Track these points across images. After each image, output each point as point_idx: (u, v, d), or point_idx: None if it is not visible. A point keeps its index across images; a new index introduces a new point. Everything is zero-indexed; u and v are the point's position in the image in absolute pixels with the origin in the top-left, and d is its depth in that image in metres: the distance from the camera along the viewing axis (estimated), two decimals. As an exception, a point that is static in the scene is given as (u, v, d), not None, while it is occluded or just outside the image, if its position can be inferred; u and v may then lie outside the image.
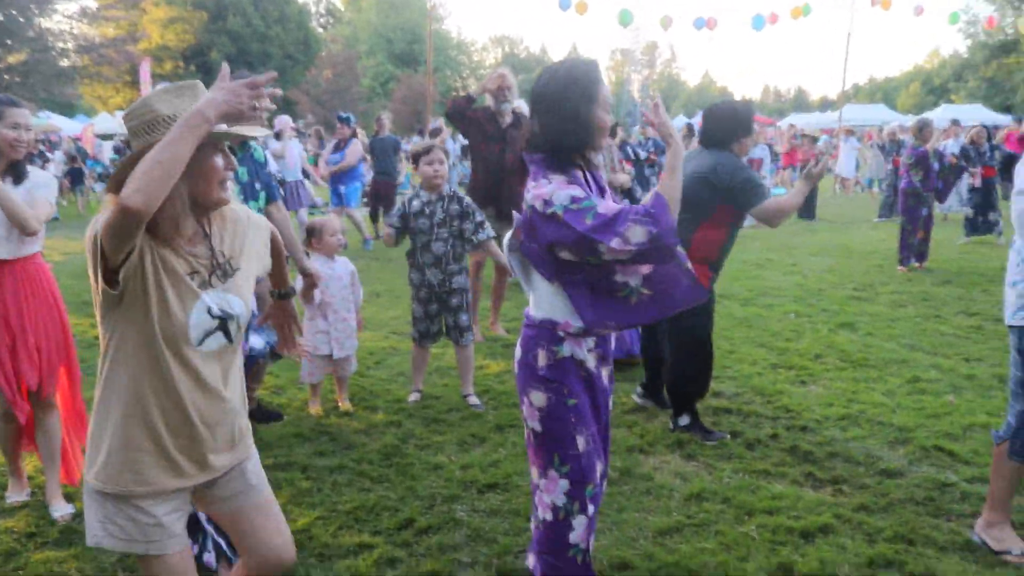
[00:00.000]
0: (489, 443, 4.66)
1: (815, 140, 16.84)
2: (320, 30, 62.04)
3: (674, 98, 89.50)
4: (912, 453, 4.47)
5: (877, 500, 3.91)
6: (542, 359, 2.75)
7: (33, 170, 3.78)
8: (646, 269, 2.62)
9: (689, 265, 2.63)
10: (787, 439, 4.65)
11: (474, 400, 5.29)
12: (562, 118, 2.63)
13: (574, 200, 2.54)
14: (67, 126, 29.25)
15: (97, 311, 2.10)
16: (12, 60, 20.59)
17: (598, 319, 2.66)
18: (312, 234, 5.04)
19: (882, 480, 4.14)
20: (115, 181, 1.96)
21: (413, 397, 5.34)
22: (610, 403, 2.98)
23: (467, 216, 5.08)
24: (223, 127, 2.03)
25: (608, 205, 2.55)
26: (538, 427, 2.79)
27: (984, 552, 3.43)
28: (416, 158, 5.10)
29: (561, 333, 2.72)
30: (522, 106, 6.81)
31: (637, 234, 2.47)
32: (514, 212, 2.90)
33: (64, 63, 21.19)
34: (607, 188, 2.88)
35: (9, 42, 20.25)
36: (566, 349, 2.73)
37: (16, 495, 3.96)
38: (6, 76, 20.21)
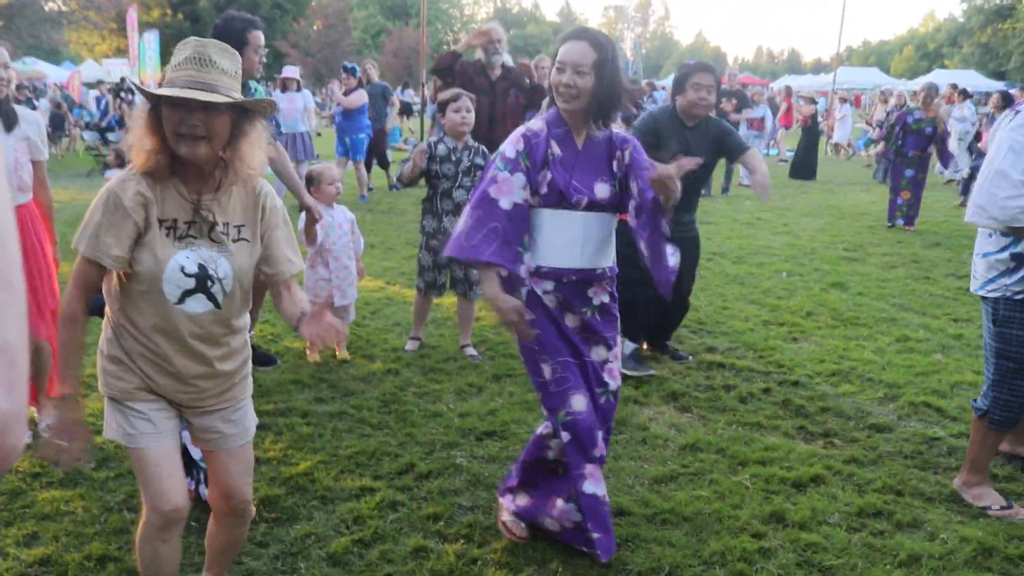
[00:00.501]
0: (487, 392, 4.72)
1: (813, 101, 16.75)
2: (310, -20, 61.09)
3: (666, 57, 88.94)
4: (901, 409, 4.56)
5: (867, 453, 4.00)
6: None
7: (24, 113, 3.84)
8: None
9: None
10: (779, 393, 4.74)
11: (471, 351, 5.35)
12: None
13: (502, 157, 2.90)
14: (53, 73, 28.81)
15: None
16: (-3, 3, 20.26)
17: (499, 260, 2.88)
18: (311, 182, 5.04)
19: (872, 434, 4.23)
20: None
21: (411, 345, 5.39)
22: (596, 354, 3.05)
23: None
24: (179, 84, 2.15)
25: (496, 187, 2.86)
26: (521, 355, 3.13)
27: (968, 504, 3.53)
28: (443, 105, 5.08)
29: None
30: (508, 60, 6.82)
31: (464, 219, 2.91)
32: None
33: (51, 7, 20.84)
34: (614, 143, 2.98)
35: (-6, -15, 19.94)
36: (529, 283, 2.97)
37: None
38: (-9, 19, 19.88)
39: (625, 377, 4.97)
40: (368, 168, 12.74)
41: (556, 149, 2.90)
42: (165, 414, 2.38)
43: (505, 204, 2.84)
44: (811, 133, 16.21)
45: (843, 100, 21.97)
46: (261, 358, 5.03)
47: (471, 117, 5.04)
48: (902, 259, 8.49)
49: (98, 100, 20.53)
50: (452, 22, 64.94)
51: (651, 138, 4.58)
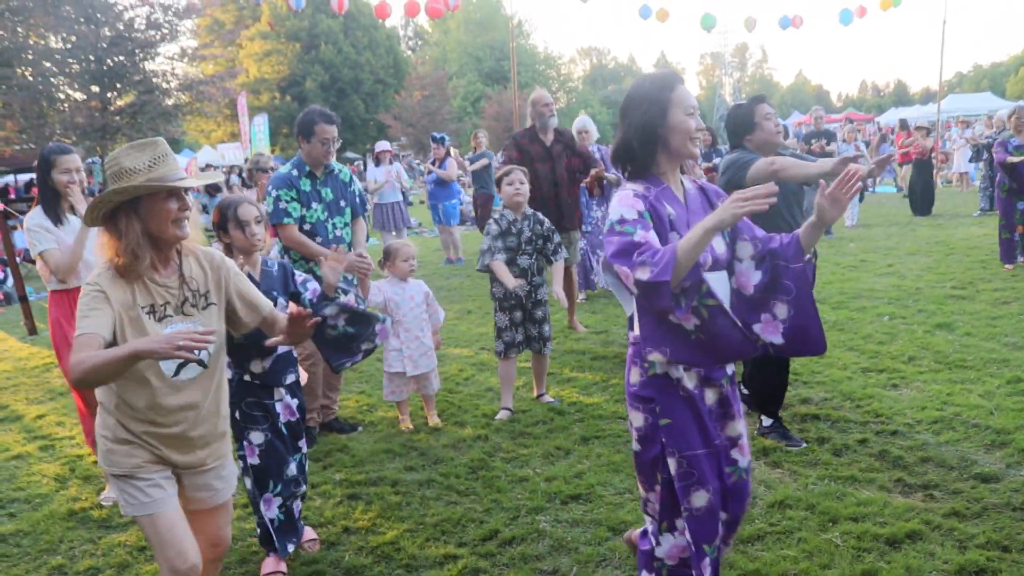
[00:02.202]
0: (574, 455, 4.73)
1: (928, 132, 16.19)
2: (409, 52, 63.39)
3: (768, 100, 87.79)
4: (1010, 456, 4.33)
5: (970, 506, 3.81)
6: (635, 376, 2.74)
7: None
8: (695, 320, 2.55)
9: (737, 321, 2.58)
10: (876, 444, 4.57)
11: (548, 398, 5.67)
12: (632, 128, 2.67)
13: (622, 221, 2.54)
14: (174, 161, 30.66)
15: None
16: (121, 103, 21.79)
17: (658, 345, 2.62)
18: (387, 257, 5.29)
19: (976, 485, 4.03)
20: (88, 218, 2.49)
21: (502, 415, 5.43)
22: (731, 429, 2.82)
23: (548, 237, 5.36)
24: (178, 176, 2.49)
25: (645, 235, 2.50)
26: (636, 447, 2.79)
27: (1083, 557, 3.32)
28: (498, 181, 5.42)
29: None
30: (556, 122, 7.04)
31: (641, 272, 2.43)
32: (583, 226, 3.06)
33: (168, 102, 22.30)
34: (709, 196, 2.82)
35: (119, 86, 21.45)
36: (659, 366, 2.67)
37: (111, 492, 4.28)
38: (116, 117, 21.38)
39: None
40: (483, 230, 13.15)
41: (669, 208, 2.66)
42: (171, 480, 2.65)
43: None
44: (925, 166, 15.70)
45: (966, 125, 21.26)
46: (343, 427, 5.38)
47: (524, 189, 5.30)
48: (1016, 294, 8.08)
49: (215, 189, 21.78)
50: (550, 83, 66.01)
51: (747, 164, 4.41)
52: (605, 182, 8.38)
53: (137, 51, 21.58)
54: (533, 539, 3.76)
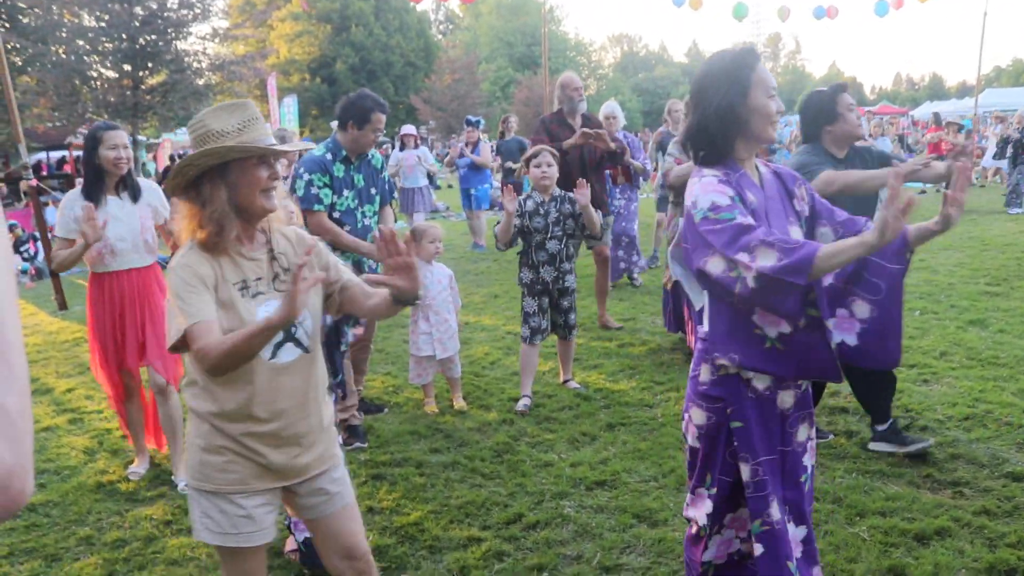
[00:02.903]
0: (600, 441, 4.72)
1: (960, 128, 15.88)
2: (440, 36, 63.31)
3: (800, 91, 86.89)
4: (1043, 455, 4.27)
5: (1001, 504, 3.76)
6: (705, 374, 2.56)
7: (145, 184, 4.44)
8: (785, 327, 2.37)
9: (832, 344, 2.40)
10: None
11: (574, 384, 5.65)
12: (710, 109, 2.46)
13: (714, 207, 2.33)
14: (204, 140, 30.87)
15: None
16: (153, 81, 21.89)
17: (726, 350, 2.45)
18: (414, 237, 5.21)
19: (1008, 483, 3.97)
20: (170, 186, 2.28)
21: (524, 404, 5.30)
22: (802, 433, 2.63)
23: (577, 219, 5.24)
24: (269, 141, 2.26)
25: (748, 220, 2.30)
26: (695, 443, 2.62)
27: (1117, 559, 3.26)
28: (526, 162, 5.34)
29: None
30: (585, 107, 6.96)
31: (766, 256, 2.20)
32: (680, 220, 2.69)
33: (199, 82, 22.37)
34: (785, 180, 2.62)
35: (150, 65, 21.52)
36: (725, 359, 2.48)
37: (138, 468, 4.56)
38: (148, 96, 21.49)
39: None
40: None
41: (750, 195, 2.47)
42: (267, 508, 2.35)
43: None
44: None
45: (999, 120, 20.90)
46: (368, 407, 5.35)
47: (552, 171, 5.24)
48: (1051, 291, 7.96)
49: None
50: (580, 69, 65.69)
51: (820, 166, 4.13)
52: (632, 170, 8.35)
53: (169, 30, 21.64)
54: (557, 524, 3.75)
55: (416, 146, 12.72)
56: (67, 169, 22.72)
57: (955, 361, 5.87)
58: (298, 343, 2.33)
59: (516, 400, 5.43)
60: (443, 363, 5.38)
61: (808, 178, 3.97)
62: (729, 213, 2.31)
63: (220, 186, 2.21)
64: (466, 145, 12.36)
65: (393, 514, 3.91)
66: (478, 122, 12.48)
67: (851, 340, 2.49)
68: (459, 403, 5.40)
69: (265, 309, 2.26)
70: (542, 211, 5.23)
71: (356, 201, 4.90)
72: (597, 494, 4.05)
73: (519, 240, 5.32)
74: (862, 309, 2.48)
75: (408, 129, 12.92)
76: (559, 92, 6.86)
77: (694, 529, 2.70)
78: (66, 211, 4.20)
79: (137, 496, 4.28)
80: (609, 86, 65.98)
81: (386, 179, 5.17)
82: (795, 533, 2.61)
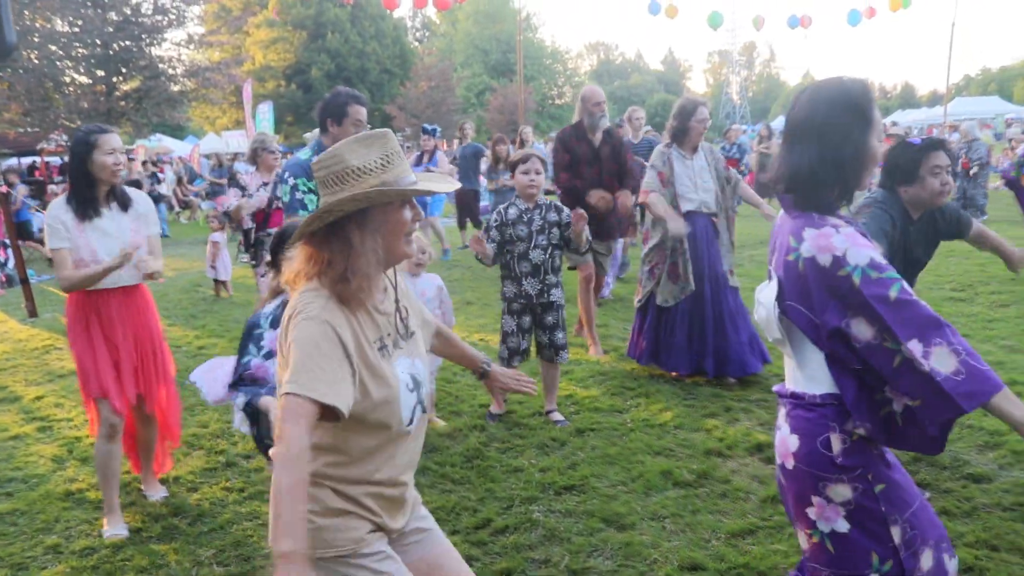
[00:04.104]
0: (569, 447, 4.75)
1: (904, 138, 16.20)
2: (416, 43, 63.36)
3: (773, 99, 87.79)
4: (1002, 457, 4.35)
5: (961, 505, 3.84)
6: (837, 443, 2.21)
7: (134, 193, 4.05)
8: (910, 402, 2.11)
9: (946, 420, 2.12)
10: (870, 443, 4.59)
11: (557, 416, 5.22)
12: (842, 150, 2.17)
13: (875, 266, 2.06)
14: (178, 147, 30.81)
15: None
16: (127, 87, 21.81)
17: (861, 419, 2.17)
18: None
19: (968, 484, 4.06)
20: (303, 233, 2.00)
21: (493, 408, 5.27)
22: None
23: (568, 226, 4.96)
24: (410, 180, 2.04)
25: (910, 292, 2.06)
26: (845, 527, 2.23)
27: (1071, 558, 3.34)
28: (512, 167, 5.11)
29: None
30: (607, 122, 6.70)
31: (945, 362, 1.97)
32: (772, 271, 2.35)
33: (174, 88, 22.31)
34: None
35: (124, 70, 21.46)
36: (861, 428, 2.20)
37: (114, 530, 3.92)
38: (122, 103, 21.41)
39: (710, 429, 4.93)
40: (461, 226, 13.05)
41: None
42: (389, 548, 2.17)
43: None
44: None
45: (953, 129, 21.24)
46: None
47: (540, 179, 4.98)
48: (1014, 297, 8.10)
49: (213, 170, 21.82)
50: (556, 76, 65.95)
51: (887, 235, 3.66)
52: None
53: (143, 36, 21.58)
54: (526, 528, 3.78)
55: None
56: (38, 175, 22.51)
57: (920, 366, 5.96)
58: (422, 405, 2.15)
59: (488, 406, 5.44)
60: None
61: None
62: (893, 273, 2.05)
63: (368, 233, 1.98)
64: (423, 154, 12.19)
65: (363, 520, 3.92)
66: (435, 131, 12.20)
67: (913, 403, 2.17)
68: (436, 422, 5.22)
69: (400, 371, 2.08)
70: (525, 219, 4.96)
71: None
72: (566, 499, 4.09)
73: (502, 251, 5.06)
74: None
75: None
76: (580, 106, 6.55)
77: None
78: (54, 222, 3.80)
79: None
80: (585, 94, 66.20)
81: None
82: (951, 567, 2.34)
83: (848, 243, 2.08)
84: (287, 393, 1.80)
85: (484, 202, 13.02)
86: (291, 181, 4.53)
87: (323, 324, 1.90)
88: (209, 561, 3.59)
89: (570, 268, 6.95)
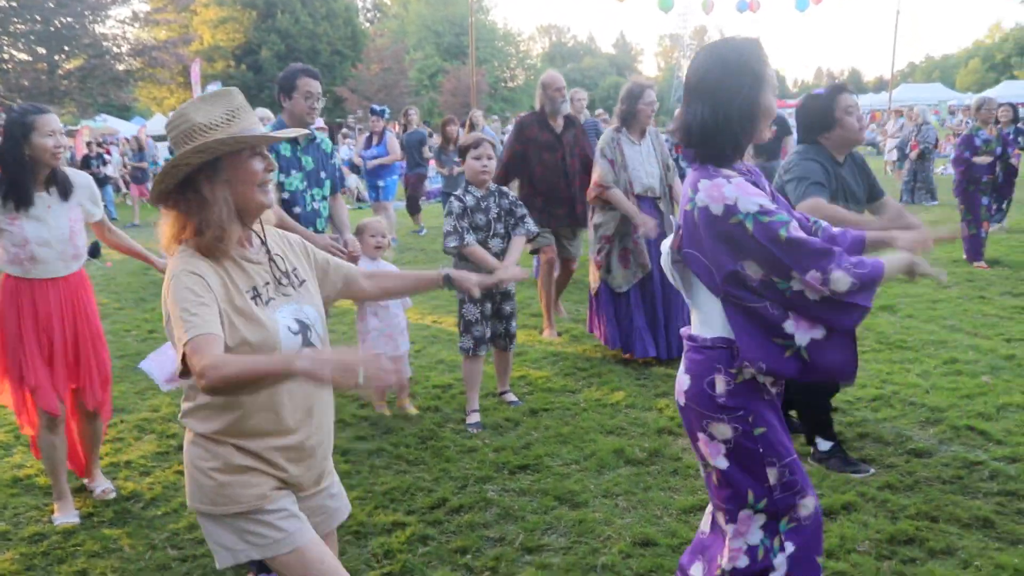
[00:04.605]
0: (523, 426, 4.79)
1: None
2: (367, 25, 62.61)
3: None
4: (943, 433, 4.49)
5: (903, 479, 3.95)
6: (720, 384, 2.36)
7: (72, 174, 3.85)
8: (819, 334, 2.25)
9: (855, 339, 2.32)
10: (817, 420, 4.70)
11: (511, 397, 5.24)
12: (734, 105, 2.29)
13: (764, 210, 2.20)
14: (124, 128, 30.11)
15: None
16: (70, 66, 21.31)
17: (753, 358, 2.29)
18: (358, 233, 5.03)
19: (910, 459, 4.18)
20: (156, 191, 2.09)
21: (474, 420, 4.90)
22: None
23: (510, 212, 4.89)
24: (261, 129, 2.12)
25: (800, 229, 2.23)
26: (724, 464, 2.41)
27: (1006, 529, 3.47)
28: (463, 151, 4.91)
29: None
30: (568, 108, 6.69)
31: (841, 282, 2.16)
32: (672, 218, 2.53)
33: (119, 67, 21.82)
34: (758, 179, 2.46)
35: (66, 48, 20.97)
36: (747, 371, 2.34)
37: (65, 516, 3.84)
38: (65, 82, 20.92)
39: (661, 408, 5.00)
40: (412, 211, 13.00)
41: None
42: (296, 505, 2.22)
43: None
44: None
45: (899, 114, 21.68)
46: None
47: (492, 164, 4.83)
48: (956, 279, 8.33)
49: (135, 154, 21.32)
50: (508, 59, 65.68)
51: (826, 185, 3.90)
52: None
53: (86, 13, 21.07)
54: (481, 507, 3.81)
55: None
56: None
57: (866, 345, 6.11)
58: (312, 347, 2.19)
59: (441, 387, 5.46)
60: (395, 361, 5.12)
61: (798, 194, 3.84)
62: (782, 215, 2.21)
63: (217, 184, 2.04)
64: (371, 135, 11.99)
65: (317, 501, 3.92)
66: (383, 111, 11.79)
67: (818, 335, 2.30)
68: (411, 408, 5.16)
69: (282, 316, 2.14)
70: (483, 206, 4.80)
71: (304, 183, 4.74)
72: (520, 478, 4.13)
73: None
74: None
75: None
76: (540, 92, 6.49)
77: (750, 559, 2.43)
78: None
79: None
80: (537, 76, 66.17)
81: (336, 165, 5.02)
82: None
83: (738, 192, 2.23)
84: (189, 341, 1.91)
85: (436, 184, 12.93)
86: None
87: (190, 275, 2.01)
88: (163, 544, 3.56)
89: (532, 252, 6.97)
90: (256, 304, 2.10)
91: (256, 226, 2.22)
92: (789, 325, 2.25)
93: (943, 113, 36.85)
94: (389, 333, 5.13)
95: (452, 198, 4.88)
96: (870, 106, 31.94)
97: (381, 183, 11.81)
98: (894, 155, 20.41)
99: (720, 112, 2.30)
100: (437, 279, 2.56)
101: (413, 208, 13.08)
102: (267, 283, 2.16)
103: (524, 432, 4.71)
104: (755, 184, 2.33)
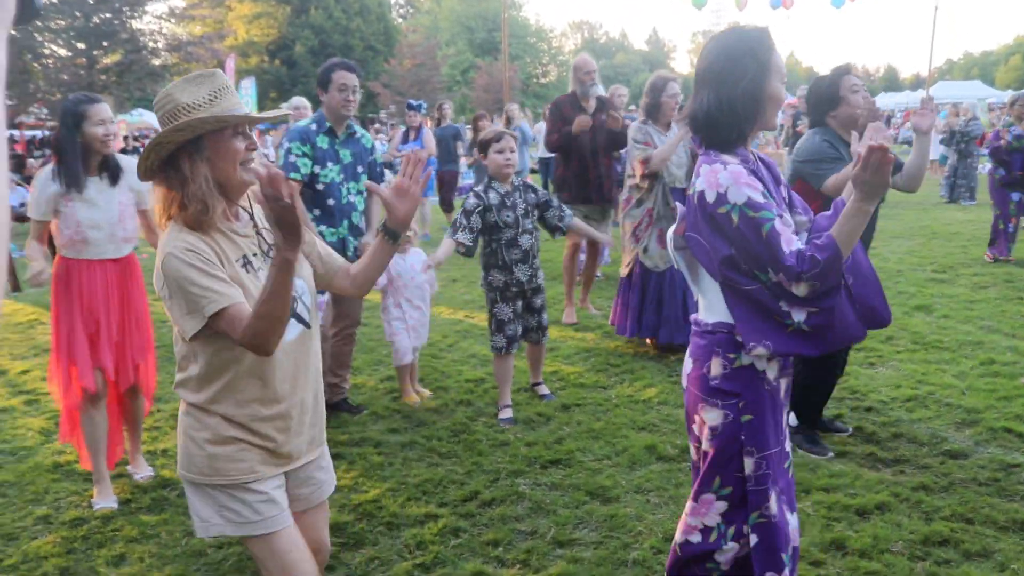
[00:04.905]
0: (555, 421, 4.81)
1: (889, 119, 16.30)
2: (400, 20, 62.87)
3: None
4: (979, 434, 4.44)
5: (938, 480, 3.92)
6: (716, 368, 2.39)
7: (123, 160, 3.98)
8: (812, 308, 2.26)
9: (852, 299, 2.34)
10: (851, 420, 4.67)
11: (544, 390, 5.27)
12: (736, 90, 2.32)
13: (751, 204, 2.22)
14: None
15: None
16: (108, 61, 21.60)
17: (758, 338, 2.29)
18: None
19: (945, 460, 4.14)
20: (142, 167, 2.15)
21: (507, 414, 4.91)
22: (786, 420, 2.56)
23: (546, 205, 4.89)
24: (243, 110, 2.19)
25: (786, 229, 2.23)
26: (708, 447, 2.43)
27: (1044, 531, 3.43)
28: (485, 146, 4.78)
29: (739, 338, 2.35)
30: (601, 90, 6.91)
31: (801, 289, 2.19)
32: (678, 204, 2.59)
33: (155, 62, 22.10)
34: (771, 166, 2.52)
35: (105, 44, 21.25)
36: (745, 357, 2.36)
37: (104, 501, 3.93)
38: (103, 76, 21.21)
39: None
40: (446, 207, 12.99)
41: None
42: (283, 491, 2.29)
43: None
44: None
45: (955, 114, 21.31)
46: (351, 407, 5.09)
47: (515, 158, 4.75)
48: (994, 279, 8.22)
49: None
50: (541, 55, 65.67)
51: (836, 160, 4.08)
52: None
53: (124, 9, 21.35)
54: (512, 501, 3.84)
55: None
56: (17, 149, 22.27)
57: (901, 345, 6.06)
58: (299, 318, 2.26)
59: (474, 381, 5.49)
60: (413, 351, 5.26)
61: (820, 176, 4.03)
62: (770, 212, 2.21)
63: (198, 161, 2.11)
64: (408, 130, 11.98)
65: (351, 492, 3.97)
66: (420, 106, 11.69)
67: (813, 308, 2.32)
68: (423, 392, 5.31)
69: None
70: (509, 203, 4.71)
71: (341, 176, 4.77)
72: (551, 472, 4.14)
73: (480, 240, 4.82)
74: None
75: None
76: (572, 75, 6.78)
77: (701, 537, 2.49)
78: (40, 193, 3.79)
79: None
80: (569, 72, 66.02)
81: (377, 161, 5.02)
82: (792, 521, 2.51)
83: (730, 181, 2.25)
84: (217, 313, 2.02)
85: (467, 180, 12.87)
86: (286, 145, 4.72)
87: (186, 252, 2.06)
88: (199, 531, 3.62)
89: (559, 236, 6.99)
90: (247, 272, 2.18)
91: (244, 201, 2.30)
92: (784, 304, 2.27)
93: (982, 111, 36.29)
94: (412, 325, 5.22)
95: (471, 194, 4.81)
96: (907, 104, 31.49)
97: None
98: (936, 151, 20.15)
99: (724, 99, 2.34)
100: (381, 239, 2.44)
101: (447, 207, 13.10)
102: (255, 254, 2.24)
103: (556, 427, 4.72)
104: (754, 173, 2.32)
